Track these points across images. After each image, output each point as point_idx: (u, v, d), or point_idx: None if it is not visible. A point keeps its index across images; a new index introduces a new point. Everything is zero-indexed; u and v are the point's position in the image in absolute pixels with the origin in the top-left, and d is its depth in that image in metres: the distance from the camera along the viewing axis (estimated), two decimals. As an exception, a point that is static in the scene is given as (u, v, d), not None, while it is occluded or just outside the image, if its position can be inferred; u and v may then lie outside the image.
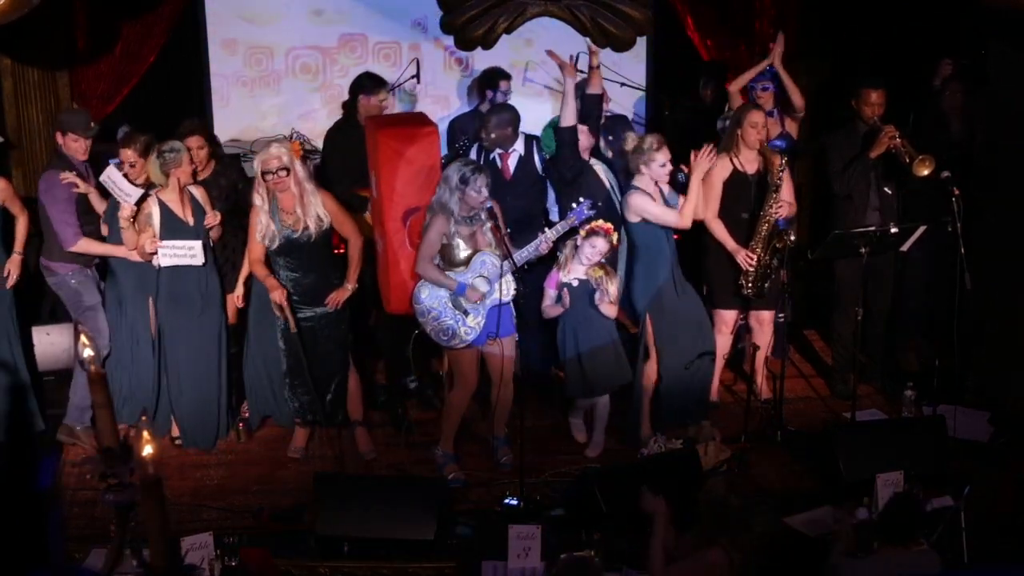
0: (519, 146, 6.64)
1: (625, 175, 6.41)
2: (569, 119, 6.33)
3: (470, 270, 5.88)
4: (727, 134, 6.62)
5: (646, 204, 6.12)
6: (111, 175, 5.93)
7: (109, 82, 7.57)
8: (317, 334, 6.03)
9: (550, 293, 6.15)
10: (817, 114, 7.45)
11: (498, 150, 6.60)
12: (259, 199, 5.88)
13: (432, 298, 5.91)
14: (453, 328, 5.89)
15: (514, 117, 6.68)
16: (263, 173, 5.81)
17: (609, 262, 6.23)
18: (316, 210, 5.87)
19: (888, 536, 4.57)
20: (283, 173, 5.79)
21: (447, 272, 5.90)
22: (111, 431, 2.62)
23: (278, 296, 5.88)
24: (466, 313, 5.89)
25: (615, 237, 6.11)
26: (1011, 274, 6.72)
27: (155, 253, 5.99)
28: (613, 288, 6.13)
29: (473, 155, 6.76)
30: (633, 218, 6.17)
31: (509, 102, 7.26)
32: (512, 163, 6.61)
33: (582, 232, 6.05)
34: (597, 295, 6.05)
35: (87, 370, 2.63)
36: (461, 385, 6.08)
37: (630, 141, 6.27)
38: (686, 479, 5.51)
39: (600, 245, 6.03)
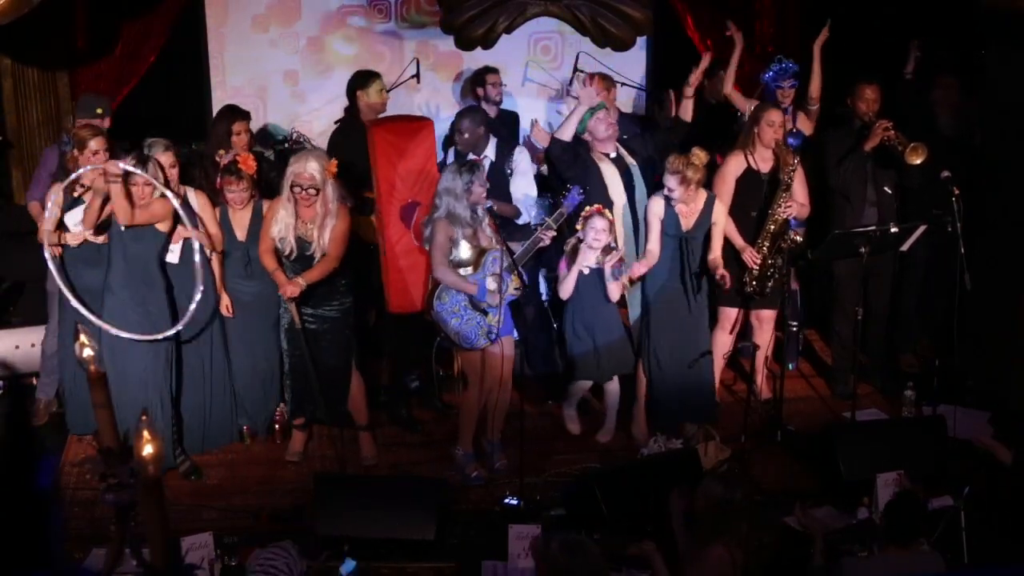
0: (491, 152, 6.58)
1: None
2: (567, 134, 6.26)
3: (483, 268, 5.87)
4: (743, 131, 6.57)
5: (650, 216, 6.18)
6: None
7: (109, 82, 7.56)
8: (319, 336, 5.99)
9: (563, 275, 6.19)
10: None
11: (471, 154, 6.50)
12: (287, 205, 5.80)
13: (453, 302, 5.89)
14: (475, 330, 5.89)
15: (485, 118, 6.68)
16: (292, 185, 5.74)
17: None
18: (327, 234, 5.79)
19: (891, 537, 4.57)
20: (312, 192, 5.73)
21: (456, 271, 5.89)
22: (111, 431, 2.61)
23: (290, 291, 5.77)
24: (485, 313, 5.88)
25: (608, 211, 6.12)
26: (1011, 274, 6.72)
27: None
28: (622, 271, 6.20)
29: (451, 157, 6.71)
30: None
31: (505, 99, 7.27)
32: (484, 169, 6.56)
33: (579, 226, 6.09)
34: (608, 274, 6.10)
35: (86, 370, 2.63)
36: (473, 384, 6.08)
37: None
38: (686, 479, 5.51)
39: (599, 224, 6.05)
